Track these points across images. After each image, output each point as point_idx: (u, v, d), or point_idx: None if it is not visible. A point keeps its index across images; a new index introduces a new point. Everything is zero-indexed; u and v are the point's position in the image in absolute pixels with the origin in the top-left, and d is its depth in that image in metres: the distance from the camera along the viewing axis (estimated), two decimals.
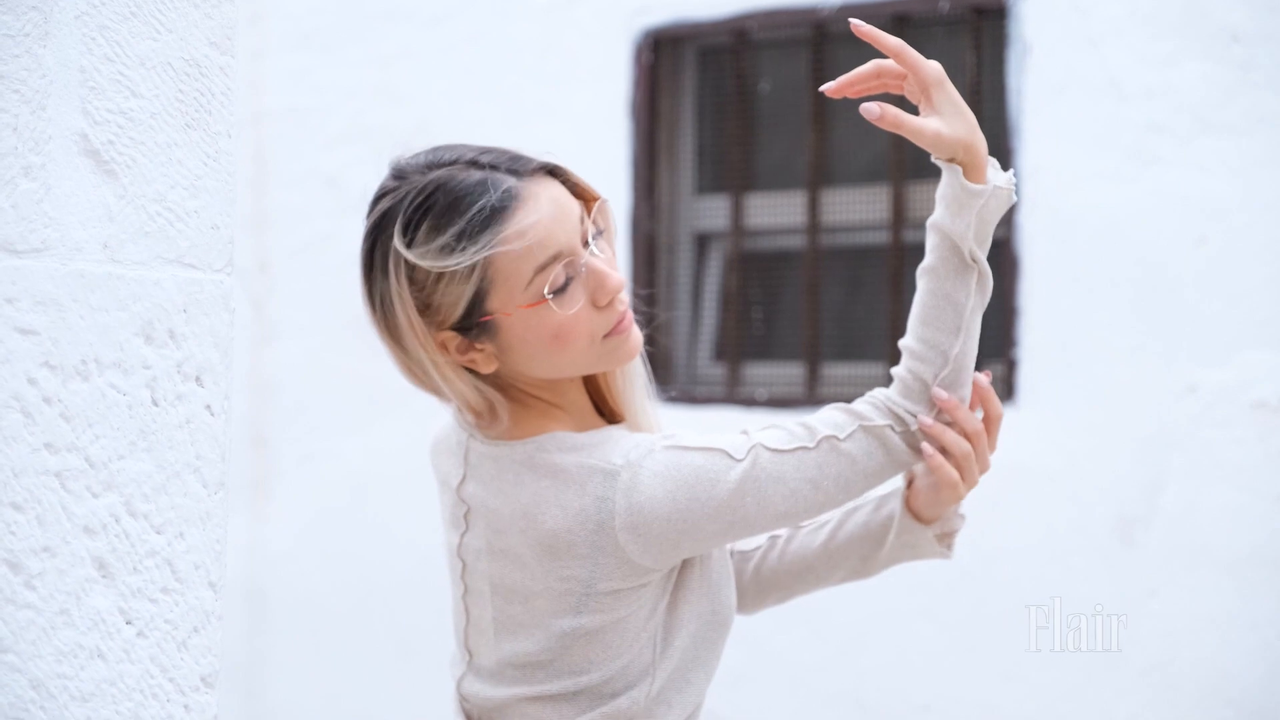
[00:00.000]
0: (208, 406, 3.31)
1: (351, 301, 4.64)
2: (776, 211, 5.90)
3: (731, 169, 5.86)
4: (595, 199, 1.79)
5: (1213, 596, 4.90)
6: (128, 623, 2.82)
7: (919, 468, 2.12)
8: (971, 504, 5.43)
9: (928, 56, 1.97)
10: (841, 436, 1.88)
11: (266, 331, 6.26)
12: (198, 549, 3.26)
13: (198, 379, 3.23)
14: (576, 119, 5.66)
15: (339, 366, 6.07)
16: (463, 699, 1.98)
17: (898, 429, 1.92)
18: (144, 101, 3.12)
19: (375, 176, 2.12)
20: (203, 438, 3.21)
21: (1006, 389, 5.39)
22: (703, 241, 5.96)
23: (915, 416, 1.92)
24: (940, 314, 1.87)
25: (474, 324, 1.77)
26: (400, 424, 5.44)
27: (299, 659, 6.53)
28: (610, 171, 5.46)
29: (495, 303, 1.73)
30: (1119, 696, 5.00)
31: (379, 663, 6.26)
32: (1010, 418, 5.41)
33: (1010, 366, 5.37)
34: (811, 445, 1.86)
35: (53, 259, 2.90)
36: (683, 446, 1.85)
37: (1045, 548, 5.15)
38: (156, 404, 3.12)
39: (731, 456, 1.84)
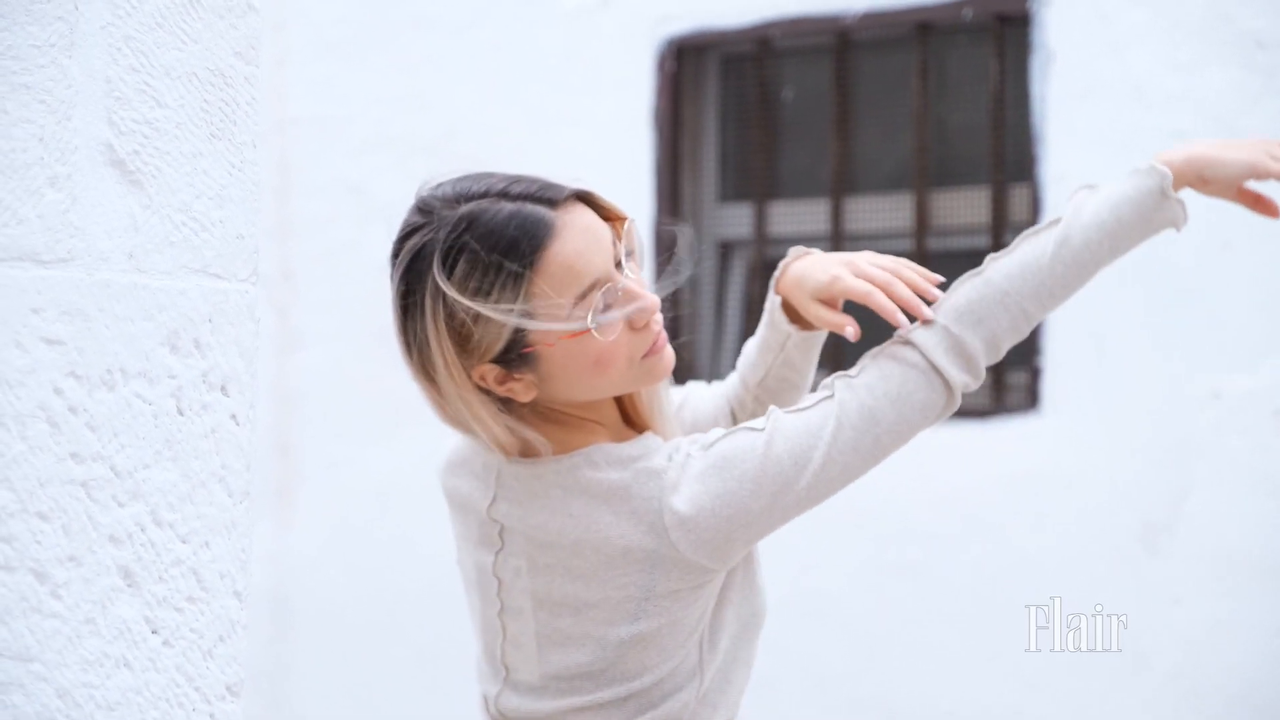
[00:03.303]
0: (233, 416, 3.32)
1: (375, 309, 4.64)
2: (800, 219, 5.89)
3: (754, 177, 5.86)
4: (623, 219, 1.79)
5: (1237, 603, 4.88)
6: (153, 632, 2.82)
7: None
8: (996, 510, 5.44)
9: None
10: (854, 373, 1.89)
11: (291, 340, 6.27)
12: (223, 558, 3.27)
13: (223, 388, 3.24)
14: (600, 127, 5.66)
15: (363, 375, 6.07)
16: (501, 715, 1.98)
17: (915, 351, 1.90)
18: (169, 111, 3.13)
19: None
20: (228, 447, 3.22)
21: (1030, 396, 5.39)
22: (726, 249, 5.96)
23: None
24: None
25: (514, 356, 1.77)
26: (425, 432, 5.44)
27: (323, 667, 6.54)
28: (633, 179, 5.47)
29: (536, 334, 1.72)
30: (1144, 703, 4.99)
31: (403, 671, 6.26)
32: (1034, 424, 5.42)
33: (1034, 374, 5.37)
34: (830, 394, 1.87)
35: (78, 269, 2.91)
36: (713, 440, 1.86)
37: (1069, 555, 5.15)
38: (182, 413, 3.13)
39: (754, 429, 1.84)
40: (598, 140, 5.49)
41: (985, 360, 1.92)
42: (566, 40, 5.72)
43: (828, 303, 2.06)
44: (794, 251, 2.18)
